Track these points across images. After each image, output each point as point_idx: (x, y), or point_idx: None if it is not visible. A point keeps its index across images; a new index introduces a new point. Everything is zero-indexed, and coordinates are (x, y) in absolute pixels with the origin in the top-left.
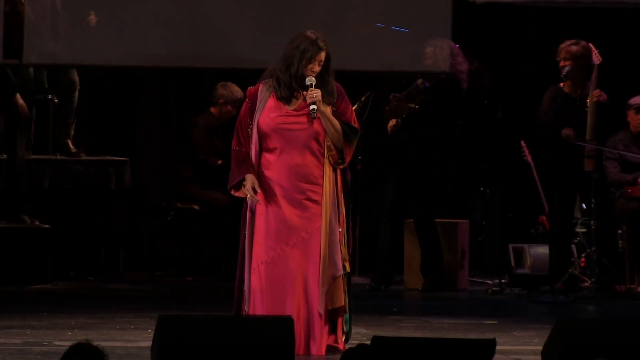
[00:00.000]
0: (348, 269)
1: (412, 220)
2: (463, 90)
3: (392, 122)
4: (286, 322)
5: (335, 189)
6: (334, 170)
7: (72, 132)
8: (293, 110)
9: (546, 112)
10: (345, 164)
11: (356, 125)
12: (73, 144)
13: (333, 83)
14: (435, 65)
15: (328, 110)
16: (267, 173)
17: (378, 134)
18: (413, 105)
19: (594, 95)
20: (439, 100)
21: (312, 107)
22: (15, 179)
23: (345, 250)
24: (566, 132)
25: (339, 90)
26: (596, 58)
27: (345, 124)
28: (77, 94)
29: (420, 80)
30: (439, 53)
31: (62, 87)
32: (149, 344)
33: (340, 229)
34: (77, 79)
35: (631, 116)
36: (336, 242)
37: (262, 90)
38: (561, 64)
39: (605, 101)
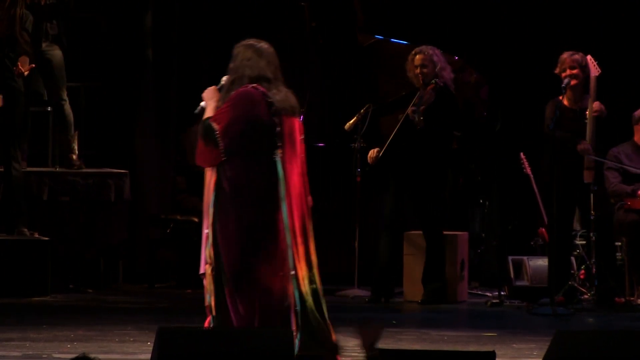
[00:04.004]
0: (207, 270)
1: (412, 232)
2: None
3: (373, 153)
4: (285, 334)
5: (209, 192)
6: (217, 173)
7: (75, 145)
8: None
9: (552, 124)
10: (199, 164)
11: (211, 122)
12: (77, 157)
13: (228, 83)
14: (432, 74)
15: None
16: None
17: (377, 146)
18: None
19: (594, 109)
20: (440, 111)
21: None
22: (11, 190)
23: (209, 252)
24: (582, 147)
25: (231, 95)
26: (595, 70)
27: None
28: (67, 107)
29: (430, 92)
30: (437, 60)
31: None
32: (148, 356)
33: (206, 230)
34: (43, 90)
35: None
36: (202, 243)
37: None
38: (567, 72)
39: (605, 116)
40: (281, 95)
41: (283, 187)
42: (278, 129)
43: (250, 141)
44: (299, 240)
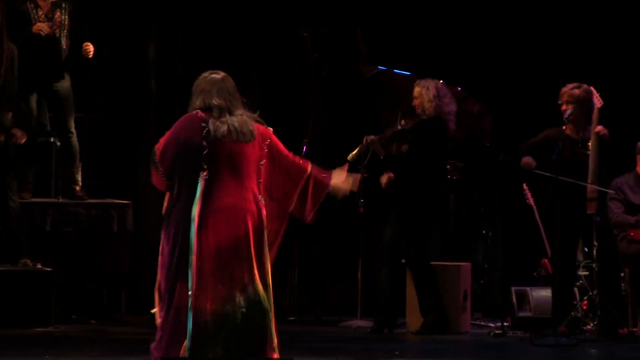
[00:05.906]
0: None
1: None
2: (450, 131)
3: (385, 179)
4: None
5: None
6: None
7: (79, 177)
8: None
9: (530, 142)
10: (156, 186)
11: (155, 147)
12: (80, 189)
13: None
14: (421, 105)
15: None
16: None
17: (379, 178)
18: (386, 149)
19: (597, 130)
20: (423, 142)
21: None
22: (9, 222)
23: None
24: (526, 160)
25: None
26: (597, 101)
27: None
28: (74, 139)
29: (401, 122)
30: (425, 93)
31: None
32: None
33: None
34: (46, 122)
35: None
36: None
37: None
38: (564, 107)
39: (607, 138)
40: (225, 122)
41: (195, 209)
42: (205, 151)
43: (183, 164)
44: (226, 260)
